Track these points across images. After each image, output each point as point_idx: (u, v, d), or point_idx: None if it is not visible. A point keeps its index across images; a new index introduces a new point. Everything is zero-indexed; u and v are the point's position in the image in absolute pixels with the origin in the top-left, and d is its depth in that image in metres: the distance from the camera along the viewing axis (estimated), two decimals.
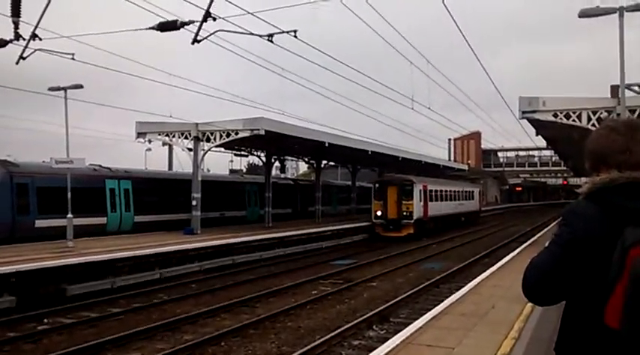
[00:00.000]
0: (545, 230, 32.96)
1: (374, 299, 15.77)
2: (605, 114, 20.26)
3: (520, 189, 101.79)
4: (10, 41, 14.26)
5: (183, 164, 41.15)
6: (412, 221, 33.73)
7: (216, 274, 20.34)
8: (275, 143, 30.62)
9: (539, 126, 24.59)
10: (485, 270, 16.82)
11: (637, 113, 19.65)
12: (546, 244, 2.08)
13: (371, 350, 8.40)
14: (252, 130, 25.40)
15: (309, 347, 10.36)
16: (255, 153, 35.71)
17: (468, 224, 46.17)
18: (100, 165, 26.66)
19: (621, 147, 1.99)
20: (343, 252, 27.61)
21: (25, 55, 14.82)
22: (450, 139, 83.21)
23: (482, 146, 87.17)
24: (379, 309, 13.60)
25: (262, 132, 25.16)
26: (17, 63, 14.91)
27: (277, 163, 39.64)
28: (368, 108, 43.30)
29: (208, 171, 44.20)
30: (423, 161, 44.58)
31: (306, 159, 41.98)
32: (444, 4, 13.32)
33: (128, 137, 69.96)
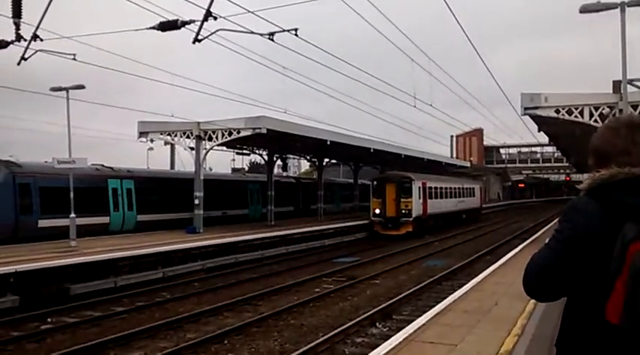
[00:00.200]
0: (548, 226, 32.90)
1: (377, 296, 15.78)
2: (607, 110, 20.21)
3: (522, 185, 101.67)
4: (12, 42, 14.29)
5: (185, 163, 41.28)
6: (411, 219, 33.33)
7: (219, 273, 20.37)
8: (277, 141, 30.63)
9: (542, 123, 24.55)
10: (487, 267, 16.82)
11: (639, 109, 19.59)
12: (547, 240, 2.08)
13: (374, 348, 8.39)
14: (254, 129, 25.40)
15: (312, 344, 10.37)
16: (257, 151, 35.73)
17: (469, 221, 45.84)
18: (103, 165, 26.69)
19: (622, 149, 2.00)
20: (346, 250, 27.64)
21: (26, 56, 14.85)
22: (452, 136, 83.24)
23: (485, 143, 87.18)
24: (382, 307, 13.61)
25: (264, 131, 25.15)
26: (19, 64, 14.94)
27: (279, 162, 39.65)
28: (370, 105, 43.32)
29: (210, 169, 44.21)
30: (426, 158, 44.45)
31: (308, 158, 41.96)
32: (446, 2, 13.30)
33: (130, 137, 70.12)
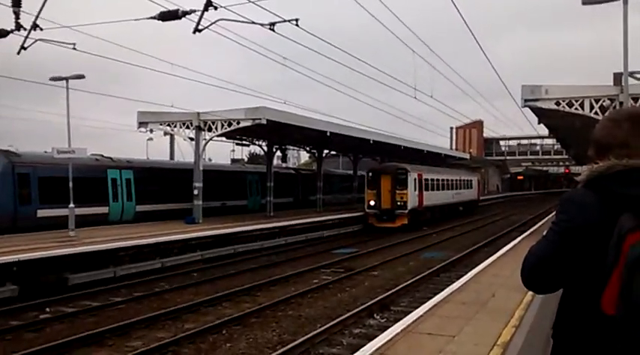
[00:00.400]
0: (546, 219, 32.94)
1: (375, 287, 15.81)
2: (608, 102, 20.17)
3: (522, 177, 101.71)
4: (12, 31, 14.24)
5: (184, 153, 41.23)
6: (406, 211, 32.83)
7: (218, 263, 20.41)
8: (277, 132, 30.57)
9: (542, 115, 24.51)
10: (485, 259, 16.84)
11: None
12: (544, 232, 2.08)
13: (372, 339, 8.42)
14: (253, 120, 25.35)
15: (310, 335, 10.40)
16: (256, 142, 35.68)
17: (466, 213, 45.57)
18: (102, 155, 26.66)
19: (622, 141, 1.99)
20: (344, 241, 27.68)
21: (26, 45, 14.79)
22: (452, 128, 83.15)
23: (485, 135, 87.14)
24: (380, 298, 13.65)
25: (264, 122, 25.11)
26: (18, 53, 14.89)
27: (279, 153, 39.61)
28: (369, 96, 43.27)
29: (210, 160, 44.20)
30: (425, 150, 44.38)
31: (308, 149, 41.92)
32: None
33: (130, 127, 70.04)
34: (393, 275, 18.00)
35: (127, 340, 10.79)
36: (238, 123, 25.94)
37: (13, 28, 14.05)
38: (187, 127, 27.27)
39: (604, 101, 20.29)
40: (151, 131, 29.34)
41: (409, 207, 33.04)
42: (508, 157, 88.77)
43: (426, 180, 36.41)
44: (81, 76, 20.83)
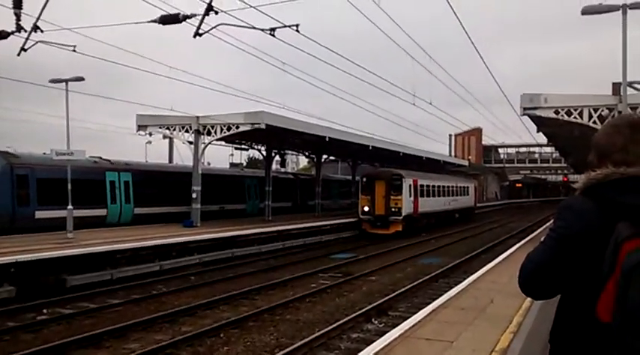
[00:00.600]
0: (544, 227, 32.97)
1: (373, 292, 15.82)
2: (607, 111, 20.26)
3: (520, 185, 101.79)
4: (12, 33, 14.28)
5: (183, 157, 41.26)
6: (401, 217, 32.10)
7: (216, 267, 20.41)
8: (276, 137, 30.62)
9: (541, 123, 24.60)
10: (483, 266, 16.86)
11: (639, 111, 19.63)
12: (542, 239, 2.10)
13: (369, 343, 8.43)
14: (252, 124, 25.39)
15: (308, 339, 10.41)
16: (255, 146, 35.70)
17: (462, 221, 44.91)
18: (101, 157, 26.68)
19: (621, 148, 2.02)
20: (342, 246, 27.68)
21: (26, 47, 14.84)
22: (450, 135, 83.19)
23: (483, 142, 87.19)
24: (378, 303, 13.66)
25: (263, 126, 25.14)
26: (19, 54, 14.94)
27: (278, 157, 39.65)
28: (368, 103, 43.29)
29: (209, 164, 44.20)
30: (424, 156, 44.38)
31: (307, 154, 41.95)
32: (448, 1, 13.32)
33: (129, 130, 70.09)
34: (391, 280, 18.01)
35: (124, 342, 10.78)
36: (237, 127, 25.98)
37: (14, 29, 14.10)
38: (186, 131, 27.29)
39: (602, 110, 20.38)
40: (150, 134, 29.40)
41: (404, 214, 32.48)
42: (507, 165, 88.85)
43: (422, 186, 35.82)
44: (80, 79, 20.85)
